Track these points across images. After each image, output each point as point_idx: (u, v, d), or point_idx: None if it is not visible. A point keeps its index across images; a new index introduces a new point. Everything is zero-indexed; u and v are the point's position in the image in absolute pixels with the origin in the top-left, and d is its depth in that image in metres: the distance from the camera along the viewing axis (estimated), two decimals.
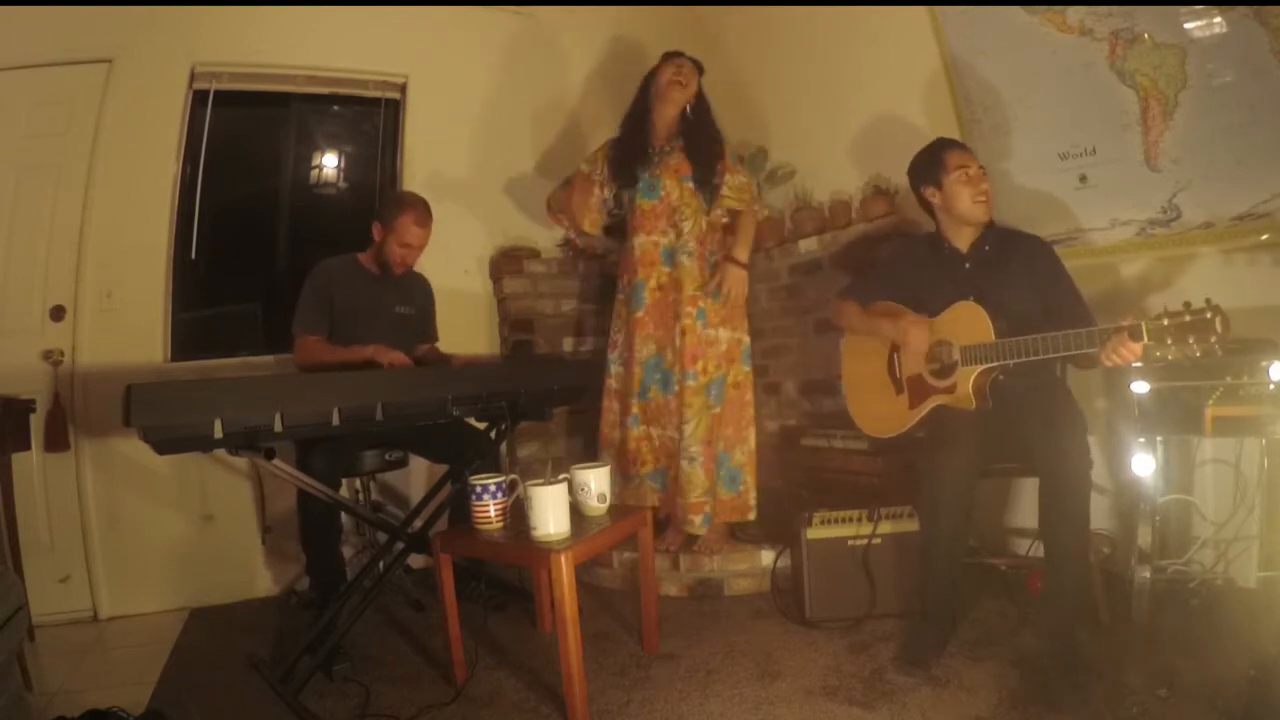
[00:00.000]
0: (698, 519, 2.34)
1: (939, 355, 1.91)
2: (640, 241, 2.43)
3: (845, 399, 2.20)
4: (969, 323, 1.83)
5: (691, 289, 2.38)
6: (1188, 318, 1.44)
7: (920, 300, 1.97)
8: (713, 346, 2.37)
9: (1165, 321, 1.47)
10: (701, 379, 2.35)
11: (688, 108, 2.43)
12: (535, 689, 1.76)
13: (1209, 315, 1.42)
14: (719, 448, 2.39)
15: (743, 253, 2.40)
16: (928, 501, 1.76)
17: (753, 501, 2.42)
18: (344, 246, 2.50)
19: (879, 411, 2.07)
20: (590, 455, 3.00)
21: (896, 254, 2.15)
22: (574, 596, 1.54)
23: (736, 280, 2.37)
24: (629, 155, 2.44)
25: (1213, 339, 1.41)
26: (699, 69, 2.44)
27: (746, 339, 2.46)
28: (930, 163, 1.96)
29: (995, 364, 1.77)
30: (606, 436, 2.52)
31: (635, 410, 2.42)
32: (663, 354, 2.41)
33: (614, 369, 2.51)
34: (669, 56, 2.44)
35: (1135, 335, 1.51)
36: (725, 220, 2.48)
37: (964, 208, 1.90)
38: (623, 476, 2.46)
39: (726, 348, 2.40)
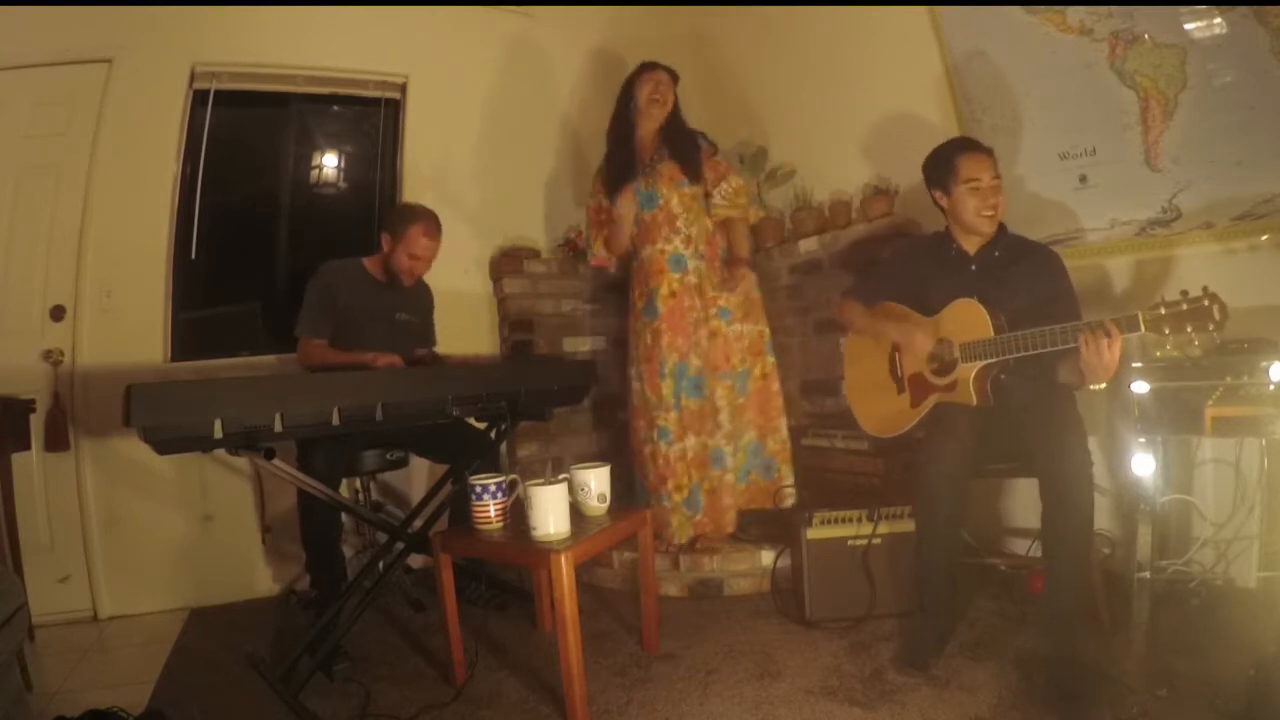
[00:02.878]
0: (730, 516, 2.42)
1: (940, 353, 1.90)
2: (648, 252, 2.45)
3: (847, 399, 2.20)
4: (968, 320, 1.83)
5: (710, 290, 2.43)
6: (1185, 306, 1.44)
7: (923, 299, 1.97)
8: (739, 341, 2.45)
9: (1163, 310, 1.46)
10: (733, 375, 2.41)
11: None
12: (535, 689, 1.76)
13: (1206, 303, 1.42)
14: (751, 438, 2.46)
15: (745, 253, 2.50)
16: (924, 489, 1.76)
17: (789, 487, 2.44)
18: (343, 246, 2.50)
19: (881, 411, 2.07)
20: (592, 455, 3.00)
21: (901, 253, 2.14)
22: (574, 596, 1.53)
23: (748, 278, 2.47)
24: (620, 172, 2.46)
25: (1210, 327, 1.41)
26: (675, 79, 2.47)
27: (768, 330, 2.51)
28: (943, 167, 1.91)
29: (995, 359, 1.77)
30: (638, 456, 2.50)
31: (667, 424, 2.37)
32: (686, 361, 2.39)
33: (634, 385, 2.50)
34: (645, 69, 2.46)
35: (1132, 325, 1.50)
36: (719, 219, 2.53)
37: (969, 219, 1.88)
38: (653, 496, 2.42)
39: (749, 341, 2.47)
